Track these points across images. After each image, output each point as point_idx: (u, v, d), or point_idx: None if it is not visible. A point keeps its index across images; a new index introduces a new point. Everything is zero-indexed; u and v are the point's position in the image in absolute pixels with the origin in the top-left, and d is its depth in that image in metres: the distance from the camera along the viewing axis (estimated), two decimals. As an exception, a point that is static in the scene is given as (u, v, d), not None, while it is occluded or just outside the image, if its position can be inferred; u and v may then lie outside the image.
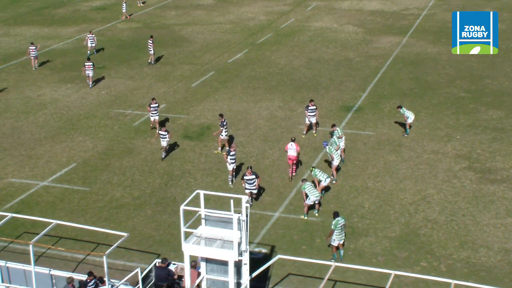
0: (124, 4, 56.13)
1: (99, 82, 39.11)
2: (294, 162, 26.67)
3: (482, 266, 20.70)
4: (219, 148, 29.11)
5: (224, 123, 28.54)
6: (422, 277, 18.45)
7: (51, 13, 59.00)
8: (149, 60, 42.45)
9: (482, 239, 22.17)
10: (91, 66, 37.68)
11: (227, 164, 25.96)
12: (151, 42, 42.04)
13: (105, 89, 38.04)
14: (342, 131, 28.01)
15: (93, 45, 44.75)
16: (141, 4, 61.43)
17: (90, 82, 38.05)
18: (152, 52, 42.25)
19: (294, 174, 26.77)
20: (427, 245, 21.86)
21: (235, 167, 26.25)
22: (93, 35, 44.99)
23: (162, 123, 31.39)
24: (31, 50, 42.07)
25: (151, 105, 31.09)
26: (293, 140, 26.52)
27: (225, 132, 28.67)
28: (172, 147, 29.60)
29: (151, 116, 31.28)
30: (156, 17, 56.27)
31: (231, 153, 25.70)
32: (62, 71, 41.63)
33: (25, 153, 29.60)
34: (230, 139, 29.92)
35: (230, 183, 26.12)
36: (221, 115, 29.06)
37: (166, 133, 28.25)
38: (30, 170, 27.91)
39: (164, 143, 28.36)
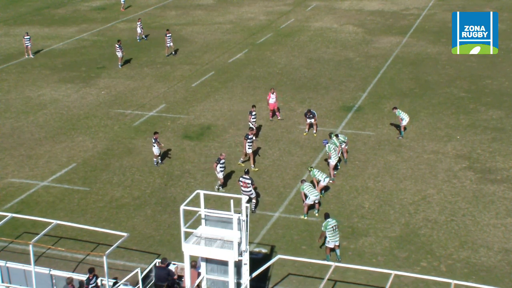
0: None
1: (99, 82, 39.15)
2: (275, 108, 32.38)
3: (482, 266, 20.70)
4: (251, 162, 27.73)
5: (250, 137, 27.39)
6: (422, 277, 18.45)
7: (51, 13, 59.03)
8: (172, 53, 44.49)
9: (482, 239, 22.17)
10: (120, 48, 41.76)
11: (216, 172, 25.38)
12: (169, 35, 43.99)
13: (105, 89, 38.05)
14: (345, 138, 27.85)
15: (141, 31, 48.13)
16: None
17: (119, 63, 41.96)
18: (168, 45, 44.02)
19: (280, 118, 32.47)
20: (427, 245, 21.86)
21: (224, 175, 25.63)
22: (140, 22, 48.61)
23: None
24: (25, 40, 44.29)
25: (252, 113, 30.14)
26: (272, 92, 32.21)
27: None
28: (172, 147, 29.60)
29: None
30: (156, 17, 56.28)
31: (221, 162, 25.15)
32: (62, 71, 41.64)
33: (25, 153, 29.60)
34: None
35: (221, 187, 25.78)
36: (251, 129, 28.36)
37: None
38: (30, 170, 27.91)
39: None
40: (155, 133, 28.02)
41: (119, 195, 25.63)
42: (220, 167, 25.10)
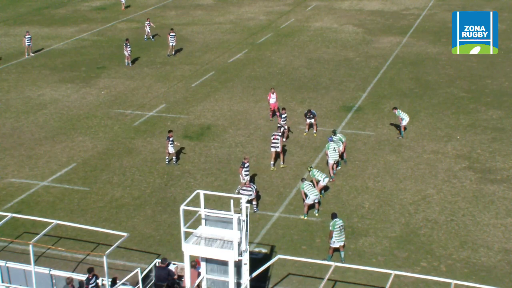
0: None
1: (99, 82, 39.15)
2: (275, 108, 32.22)
3: (482, 266, 20.70)
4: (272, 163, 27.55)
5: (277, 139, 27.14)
6: (422, 277, 18.45)
7: (51, 13, 59.02)
8: (168, 53, 44.48)
9: (482, 239, 22.17)
10: (126, 46, 41.78)
11: (241, 177, 24.86)
12: (173, 34, 44.17)
13: (105, 89, 38.05)
14: (344, 137, 27.80)
15: (149, 31, 48.39)
16: None
17: (127, 61, 42.03)
18: (171, 44, 44.20)
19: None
20: (427, 245, 21.86)
21: (249, 179, 25.18)
22: (149, 21, 48.69)
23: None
24: (26, 40, 44.40)
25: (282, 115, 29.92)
26: (272, 92, 32.39)
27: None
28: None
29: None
30: (156, 17, 56.23)
31: (245, 165, 24.77)
32: (62, 71, 41.64)
33: (25, 153, 29.60)
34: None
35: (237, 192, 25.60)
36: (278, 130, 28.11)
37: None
38: (30, 170, 27.91)
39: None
40: (170, 131, 28.06)
41: (119, 195, 25.64)
42: (245, 171, 24.73)
